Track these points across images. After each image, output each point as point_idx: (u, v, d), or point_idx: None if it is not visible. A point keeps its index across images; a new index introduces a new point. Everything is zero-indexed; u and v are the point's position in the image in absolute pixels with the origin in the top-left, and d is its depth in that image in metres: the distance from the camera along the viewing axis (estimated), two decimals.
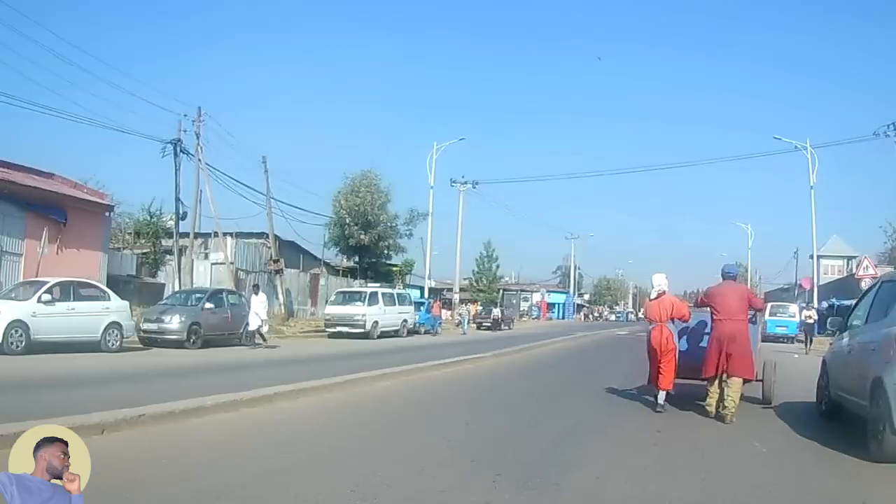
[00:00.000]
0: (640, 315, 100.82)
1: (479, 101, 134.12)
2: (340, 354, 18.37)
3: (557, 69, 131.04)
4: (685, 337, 9.31)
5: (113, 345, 16.24)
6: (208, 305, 19.48)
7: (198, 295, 20.57)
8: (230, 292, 21.68)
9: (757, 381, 8.99)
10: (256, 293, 19.64)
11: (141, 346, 18.13)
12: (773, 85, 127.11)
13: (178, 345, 17.96)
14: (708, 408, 8.38)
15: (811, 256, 43.92)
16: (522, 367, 16.13)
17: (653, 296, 9.02)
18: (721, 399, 8.12)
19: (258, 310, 18.98)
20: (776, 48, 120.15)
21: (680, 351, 8.93)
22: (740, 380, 8.09)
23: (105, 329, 16.12)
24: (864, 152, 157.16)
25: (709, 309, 8.58)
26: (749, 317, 8.60)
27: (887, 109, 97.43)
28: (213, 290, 22.04)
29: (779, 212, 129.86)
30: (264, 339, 19.24)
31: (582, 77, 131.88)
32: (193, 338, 18.34)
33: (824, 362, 8.68)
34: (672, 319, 8.87)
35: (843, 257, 61.28)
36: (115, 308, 16.69)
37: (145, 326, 18.50)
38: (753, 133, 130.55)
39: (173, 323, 18.28)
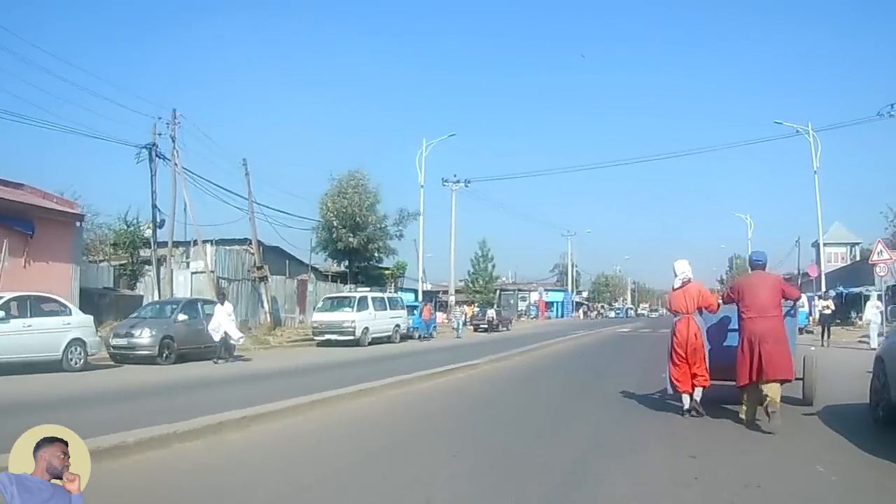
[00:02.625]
0: (644, 310, 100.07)
1: (471, 101, 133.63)
2: (327, 365, 17.11)
3: (551, 68, 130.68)
4: (708, 334, 8.13)
5: (76, 363, 15.04)
6: (182, 317, 18.06)
7: (171, 306, 19.14)
8: (206, 302, 20.11)
9: (797, 379, 7.84)
10: (222, 303, 18.15)
11: (112, 363, 16.88)
12: (772, 80, 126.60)
13: (149, 360, 16.71)
14: (744, 416, 7.31)
15: (814, 244, 42.75)
16: (521, 373, 14.76)
17: (676, 285, 7.92)
18: (760, 404, 7.03)
19: (223, 321, 17.32)
20: (777, 43, 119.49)
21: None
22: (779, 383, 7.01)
23: (66, 346, 14.96)
24: (863, 137, 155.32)
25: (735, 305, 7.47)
26: (787, 309, 7.58)
27: (888, 99, 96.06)
28: (187, 300, 20.53)
29: (778, 201, 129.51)
30: (225, 355, 17.23)
31: (577, 75, 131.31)
32: (166, 352, 17.00)
33: (880, 360, 7.41)
34: (700, 310, 7.79)
35: (846, 244, 60.36)
36: (77, 323, 15.43)
37: (114, 342, 17.24)
38: (751, 128, 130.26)
39: (143, 337, 16.94)
